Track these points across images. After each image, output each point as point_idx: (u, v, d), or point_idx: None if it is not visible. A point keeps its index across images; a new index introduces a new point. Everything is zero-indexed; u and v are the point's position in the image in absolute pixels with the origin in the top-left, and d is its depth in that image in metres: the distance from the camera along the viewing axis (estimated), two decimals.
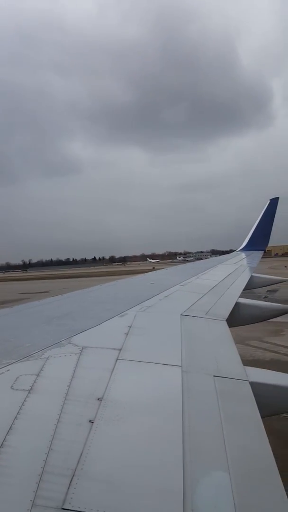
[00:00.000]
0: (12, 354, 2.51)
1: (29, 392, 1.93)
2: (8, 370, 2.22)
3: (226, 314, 4.32)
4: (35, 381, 2.06)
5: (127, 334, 3.12)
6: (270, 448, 1.65)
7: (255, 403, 2.04)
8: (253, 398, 2.11)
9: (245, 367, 2.57)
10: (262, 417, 1.92)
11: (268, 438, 1.72)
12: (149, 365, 2.48)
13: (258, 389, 2.26)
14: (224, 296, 5.64)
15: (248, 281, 8.21)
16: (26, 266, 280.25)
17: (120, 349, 2.68)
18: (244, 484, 1.43)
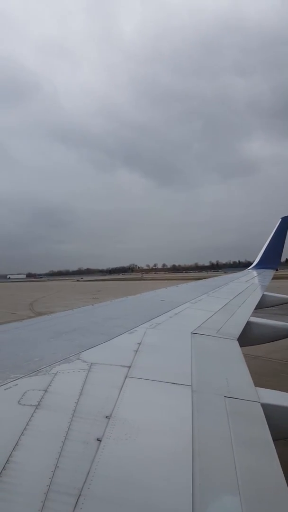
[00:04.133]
0: (21, 368, 2.51)
1: (36, 408, 1.92)
2: (16, 384, 2.22)
3: (237, 333, 4.24)
4: (42, 397, 2.05)
5: (136, 351, 3.09)
6: (282, 472, 1.59)
7: (267, 426, 1.98)
8: (265, 420, 2.05)
9: (257, 388, 2.50)
10: (273, 440, 1.86)
11: (280, 462, 1.66)
12: (159, 384, 2.44)
13: (270, 411, 2.19)
14: (235, 315, 5.56)
15: (260, 300, 8.09)
16: (214, 267, 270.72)
17: (129, 367, 2.66)
18: (254, 509, 1.38)
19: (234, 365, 3.08)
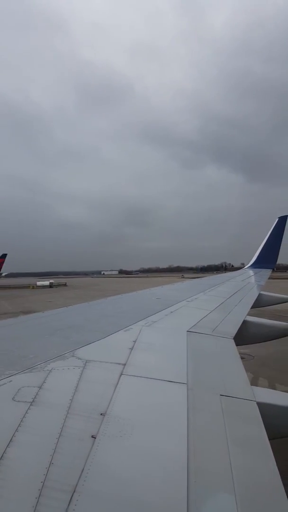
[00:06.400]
0: (15, 365, 2.49)
1: (31, 404, 1.91)
2: (11, 381, 2.20)
3: (234, 332, 4.25)
4: (37, 393, 2.04)
5: (131, 349, 3.08)
6: (277, 471, 1.58)
7: (263, 424, 1.98)
8: (261, 419, 2.04)
9: (253, 387, 2.50)
10: (269, 439, 1.86)
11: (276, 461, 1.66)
12: (154, 382, 2.44)
13: (266, 410, 2.19)
14: (231, 314, 5.56)
15: (256, 299, 8.10)
16: None
17: (124, 364, 2.65)
18: (249, 508, 1.37)
19: (230, 363, 3.08)
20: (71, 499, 1.28)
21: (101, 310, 5.65)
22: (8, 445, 1.53)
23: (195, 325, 4.34)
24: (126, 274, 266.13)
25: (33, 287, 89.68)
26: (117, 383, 2.29)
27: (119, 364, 2.65)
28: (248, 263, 21.01)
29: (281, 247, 20.06)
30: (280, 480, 1.53)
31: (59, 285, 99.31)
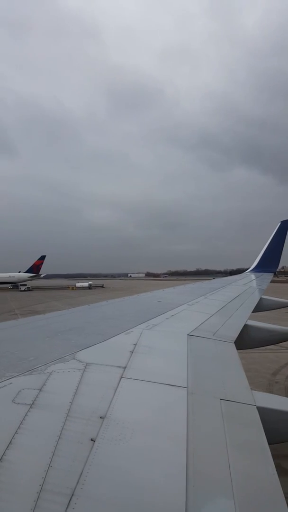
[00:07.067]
0: (16, 367, 2.50)
1: (30, 407, 1.91)
2: (11, 383, 2.20)
3: (234, 336, 4.24)
4: (37, 396, 2.04)
5: (132, 352, 3.08)
6: (277, 476, 1.58)
7: (262, 429, 1.97)
8: (261, 423, 2.04)
9: (253, 391, 2.50)
10: (269, 443, 1.86)
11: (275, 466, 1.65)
12: (154, 385, 2.43)
13: (266, 414, 2.19)
14: (232, 318, 5.55)
15: (258, 303, 8.08)
16: None
17: (124, 367, 2.65)
18: None
19: (231, 368, 3.08)
20: (69, 502, 1.28)
21: (102, 313, 5.64)
22: (7, 448, 1.54)
23: (196, 328, 4.33)
24: (154, 276, 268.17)
25: (72, 288, 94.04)
26: (117, 386, 2.29)
27: (119, 367, 2.65)
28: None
29: (283, 251, 20.04)
30: (280, 485, 1.52)
31: (96, 286, 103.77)
